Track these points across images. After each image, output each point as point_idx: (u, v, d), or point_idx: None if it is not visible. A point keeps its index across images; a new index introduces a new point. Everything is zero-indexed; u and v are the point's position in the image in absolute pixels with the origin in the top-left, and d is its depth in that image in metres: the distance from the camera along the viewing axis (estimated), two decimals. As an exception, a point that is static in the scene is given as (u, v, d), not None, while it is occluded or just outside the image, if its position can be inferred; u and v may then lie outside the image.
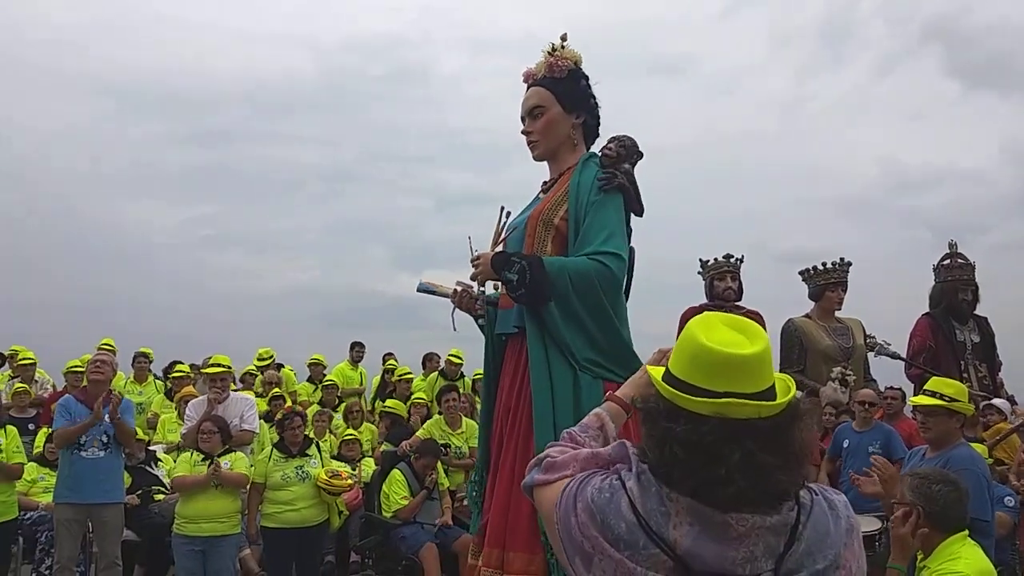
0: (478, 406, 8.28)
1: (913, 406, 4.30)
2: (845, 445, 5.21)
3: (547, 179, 2.89)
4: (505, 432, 2.65)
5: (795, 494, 1.27)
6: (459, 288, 2.82)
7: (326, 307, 19.84)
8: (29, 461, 6.07)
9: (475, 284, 2.78)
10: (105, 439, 5.20)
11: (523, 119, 2.84)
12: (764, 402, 1.24)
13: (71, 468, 5.17)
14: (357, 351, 9.82)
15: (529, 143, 2.83)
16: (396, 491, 5.68)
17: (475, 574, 2.62)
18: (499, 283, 2.74)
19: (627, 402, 1.66)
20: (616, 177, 2.65)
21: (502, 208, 2.82)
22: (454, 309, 2.86)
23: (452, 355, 9.16)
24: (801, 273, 5.68)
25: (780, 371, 1.39)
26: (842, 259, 5.56)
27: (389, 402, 8.07)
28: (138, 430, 6.26)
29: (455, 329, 2.90)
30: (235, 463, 5.32)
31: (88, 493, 5.12)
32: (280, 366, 9.47)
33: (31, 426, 7.32)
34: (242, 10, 23.60)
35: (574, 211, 2.64)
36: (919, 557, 2.87)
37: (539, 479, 1.48)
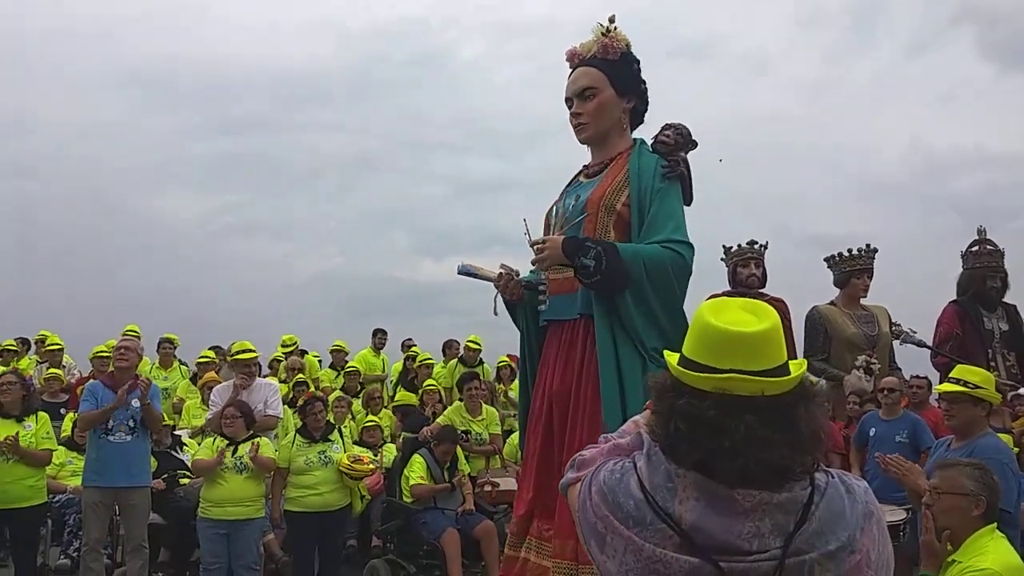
0: (506, 392, 8.33)
1: (938, 394, 4.24)
2: (871, 434, 5.14)
3: (591, 162, 2.82)
4: (555, 420, 2.63)
5: (810, 475, 1.27)
6: (503, 272, 2.79)
7: (349, 294, 19.99)
8: (58, 445, 6.18)
9: (515, 269, 2.75)
10: (132, 424, 5.28)
11: (570, 100, 2.75)
12: (768, 379, 1.25)
13: (98, 452, 5.25)
14: (380, 338, 9.88)
15: (577, 125, 2.74)
16: (416, 473, 5.72)
17: (518, 566, 2.61)
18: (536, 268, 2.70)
19: None
20: (679, 165, 2.62)
21: (524, 220, 2.76)
22: (497, 293, 2.82)
23: (471, 341, 9.19)
24: (826, 259, 5.61)
25: (804, 359, 1.39)
26: (868, 245, 5.48)
27: (399, 395, 8.11)
28: (163, 415, 6.35)
29: (496, 313, 2.87)
30: (261, 448, 5.39)
31: (115, 477, 5.20)
32: (304, 353, 9.56)
33: (62, 411, 7.46)
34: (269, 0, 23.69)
35: (637, 197, 2.60)
36: (948, 547, 2.82)
37: (571, 477, 1.50)
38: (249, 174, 22.16)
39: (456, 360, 9.25)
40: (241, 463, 5.26)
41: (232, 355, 6.55)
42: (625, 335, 2.50)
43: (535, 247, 2.63)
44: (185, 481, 6.04)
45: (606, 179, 2.69)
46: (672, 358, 1.37)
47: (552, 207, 2.87)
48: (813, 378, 1.37)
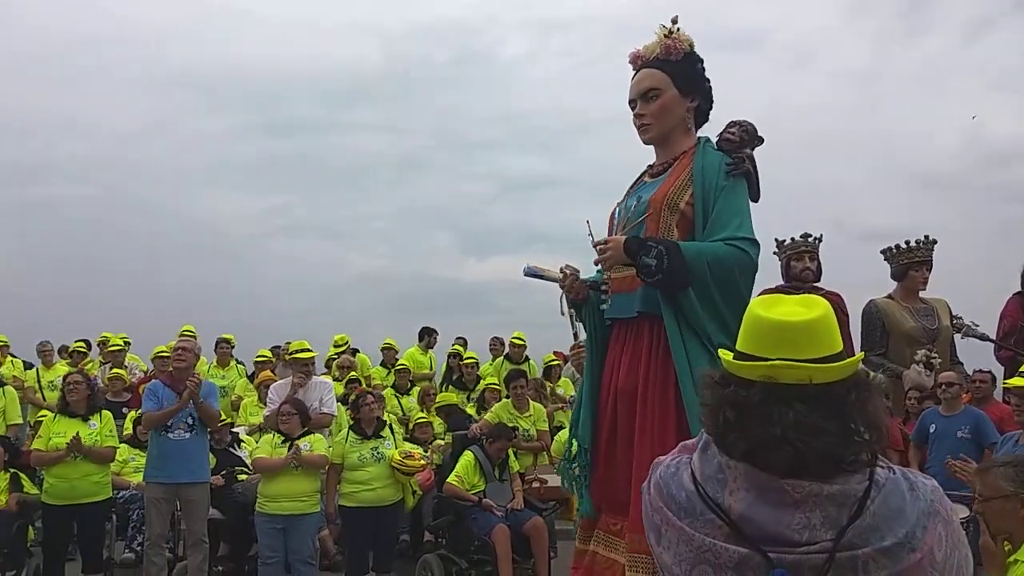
0: (553, 390, 8.32)
1: (1005, 388, 4.10)
2: (932, 430, 5.01)
3: (655, 162, 2.84)
4: (620, 416, 2.64)
5: (869, 469, 1.25)
6: (568, 272, 2.82)
7: (394, 293, 20.22)
8: (121, 443, 6.40)
9: (579, 269, 2.79)
10: (190, 421, 5.46)
11: (633, 101, 2.77)
12: (815, 365, 1.24)
13: (159, 449, 5.44)
14: (430, 338, 9.94)
15: (641, 126, 2.77)
16: (456, 471, 5.76)
17: (588, 558, 2.62)
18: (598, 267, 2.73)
19: None
20: (744, 162, 2.62)
21: (588, 223, 2.78)
22: (563, 293, 2.86)
23: (515, 338, 9.22)
24: (883, 252, 5.47)
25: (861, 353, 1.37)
26: (926, 236, 5.33)
27: (440, 396, 8.17)
28: (221, 412, 6.53)
29: (563, 313, 2.91)
30: (314, 445, 5.51)
31: (175, 473, 5.38)
32: (356, 351, 9.71)
33: (124, 410, 7.71)
34: (313, 2, 24.07)
35: (700, 195, 2.61)
36: (1006, 547, 2.73)
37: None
38: (296, 175, 22.59)
39: (502, 357, 9.29)
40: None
41: (289, 354, 6.69)
42: (692, 332, 2.51)
43: (598, 247, 2.65)
44: (243, 477, 6.19)
45: (670, 178, 2.70)
46: (726, 354, 1.37)
47: (616, 207, 2.89)
48: (871, 372, 1.35)
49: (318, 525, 5.77)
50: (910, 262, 5.30)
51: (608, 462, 2.70)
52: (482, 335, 10.35)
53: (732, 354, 1.36)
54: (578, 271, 2.82)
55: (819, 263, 5.12)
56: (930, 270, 5.32)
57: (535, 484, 6.12)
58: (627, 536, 2.57)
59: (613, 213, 2.90)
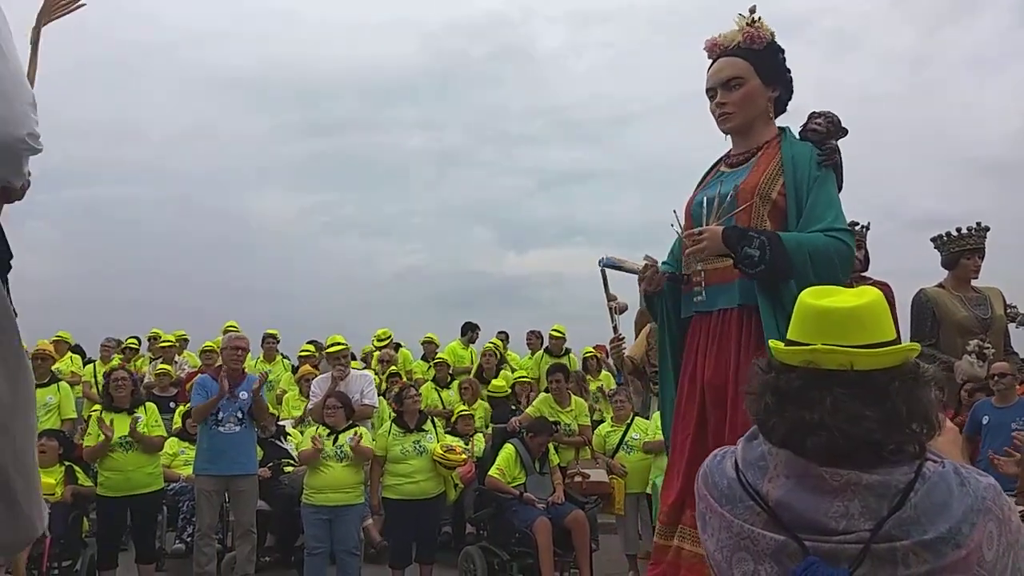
0: (598, 383, 8.29)
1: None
2: (984, 422, 4.86)
3: (732, 152, 2.81)
4: (709, 410, 2.64)
5: (916, 462, 1.22)
6: (648, 263, 2.81)
7: (434, 289, 20.37)
8: (170, 436, 6.57)
9: (658, 260, 2.76)
10: (240, 415, 5.61)
11: (713, 90, 2.74)
12: (857, 350, 1.23)
13: (209, 442, 5.58)
14: (472, 333, 9.96)
15: (723, 115, 2.74)
16: (497, 464, 5.78)
17: (671, 554, 2.61)
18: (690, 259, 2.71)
19: None
20: (835, 153, 2.61)
21: (675, 212, 2.79)
22: (643, 285, 2.84)
23: (555, 330, 9.19)
24: (934, 240, 5.31)
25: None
26: (979, 223, 5.16)
27: (492, 384, 8.18)
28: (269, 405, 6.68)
29: (641, 305, 2.91)
30: (362, 438, 5.58)
31: (225, 465, 5.52)
32: (398, 346, 9.80)
33: (172, 404, 7.92)
34: (353, 1, 24.34)
35: (793, 186, 2.59)
36: None
37: None
38: (339, 173, 22.91)
39: (542, 351, 9.27)
40: (341, 451, 5.47)
41: (326, 349, 6.82)
42: (788, 324, 2.48)
43: (692, 238, 2.62)
44: (289, 469, 6.31)
45: (758, 168, 2.67)
46: (776, 343, 1.37)
47: (696, 197, 2.84)
48: (922, 364, 1.31)
49: (362, 516, 5.84)
50: (962, 250, 5.14)
51: (694, 455, 2.64)
52: (522, 329, 10.40)
53: (783, 343, 1.35)
54: (657, 261, 2.80)
55: (866, 252, 4.98)
56: (982, 258, 5.15)
57: (577, 479, 6.10)
58: None
59: (695, 203, 2.84)
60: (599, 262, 3.04)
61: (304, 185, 23.47)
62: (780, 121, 2.83)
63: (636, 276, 2.89)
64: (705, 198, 2.77)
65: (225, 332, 8.67)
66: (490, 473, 5.74)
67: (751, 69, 2.68)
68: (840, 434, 1.19)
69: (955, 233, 5.18)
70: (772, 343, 1.37)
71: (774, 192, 2.62)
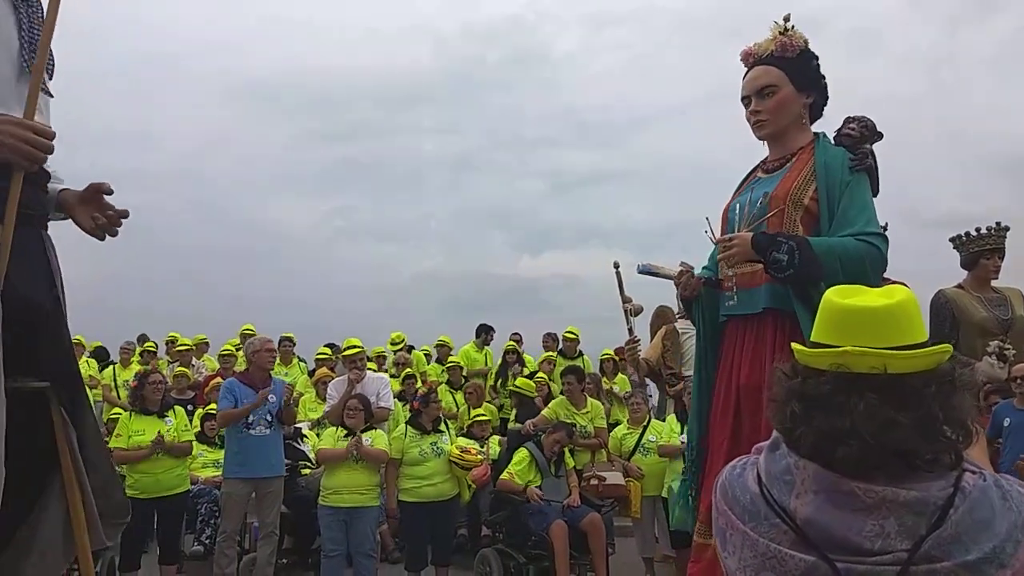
0: (611, 389, 8.27)
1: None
2: (1006, 424, 4.81)
3: (769, 158, 2.85)
4: (744, 413, 2.66)
5: (954, 474, 1.15)
6: (683, 269, 2.86)
7: (450, 292, 20.42)
8: (191, 439, 6.64)
9: (693, 267, 2.82)
10: (269, 418, 5.70)
11: (748, 98, 2.80)
12: (891, 353, 1.15)
13: (240, 445, 5.66)
14: (486, 335, 9.99)
15: (757, 122, 2.79)
16: (511, 467, 5.78)
17: (710, 552, 2.63)
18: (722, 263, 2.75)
19: None
20: (868, 158, 2.63)
21: (707, 219, 2.80)
22: (679, 290, 2.89)
23: (568, 332, 9.19)
24: (952, 240, 5.25)
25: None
26: (998, 223, 5.09)
27: (520, 381, 8.19)
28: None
29: (678, 311, 2.96)
30: (375, 440, 5.62)
31: (257, 468, 5.60)
32: (411, 348, 9.83)
33: (189, 407, 7.98)
34: (368, 8, 24.46)
35: (825, 191, 2.62)
36: None
37: None
38: (355, 179, 23.05)
39: (556, 352, 9.27)
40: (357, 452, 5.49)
41: (342, 351, 6.86)
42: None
43: (723, 244, 2.67)
44: (307, 472, 6.34)
45: (791, 174, 2.71)
46: (798, 346, 1.30)
47: (731, 203, 2.89)
48: (957, 367, 1.23)
49: (378, 519, 5.86)
50: (981, 250, 5.08)
51: (732, 458, 2.69)
52: (536, 331, 10.41)
53: (806, 345, 1.29)
54: (692, 268, 2.85)
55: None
56: (1002, 258, 5.09)
57: (593, 481, 6.09)
58: None
59: (729, 209, 2.88)
60: (637, 268, 3.11)
61: (321, 191, 23.67)
62: (817, 126, 2.85)
63: (669, 281, 2.96)
64: (738, 204, 2.81)
65: (242, 335, 8.74)
66: (502, 476, 5.75)
67: (784, 77, 2.72)
68: (874, 442, 1.12)
69: (974, 233, 5.13)
70: (795, 346, 1.29)
71: (806, 198, 2.64)
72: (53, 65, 2.06)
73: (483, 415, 7.20)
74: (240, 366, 7.61)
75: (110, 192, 2.04)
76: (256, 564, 5.63)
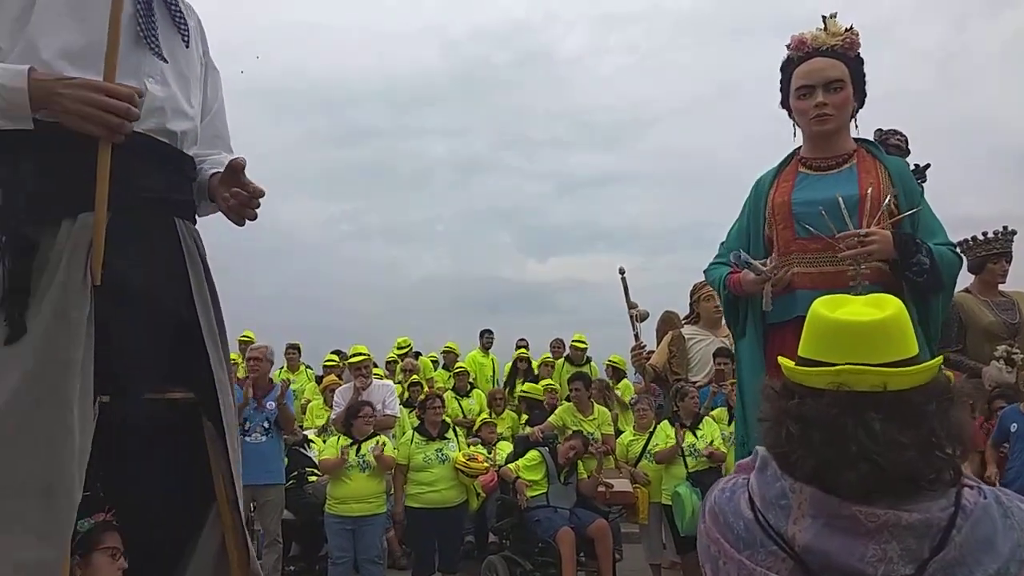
0: (617, 391, 8.25)
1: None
2: (1012, 429, 4.77)
3: (810, 156, 2.72)
4: None
5: (954, 492, 1.12)
6: (775, 263, 2.67)
7: (457, 295, 20.45)
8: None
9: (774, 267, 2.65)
10: (267, 425, 5.69)
11: (811, 88, 2.62)
12: (890, 370, 1.12)
13: (236, 452, 5.64)
14: (487, 338, 10.03)
15: (822, 116, 2.62)
16: (527, 464, 5.79)
17: None
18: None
19: None
20: (923, 171, 2.69)
21: (821, 211, 2.55)
22: (769, 288, 2.68)
23: (576, 340, 9.19)
24: (959, 244, 5.24)
25: (938, 351, 1.30)
26: (1005, 227, 5.09)
27: (526, 386, 8.18)
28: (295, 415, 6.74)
29: (769, 307, 2.73)
30: (384, 448, 5.62)
31: (253, 475, 5.55)
32: (418, 354, 9.84)
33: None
34: (376, 10, 24.57)
35: (904, 197, 2.63)
36: None
37: None
38: (364, 180, 23.08)
39: (563, 359, 9.27)
40: (364, 461, 5.50)
41: (348, 359, 6.87)
42: (922, 334, 2.42)
43: (858, 239, 2.47)
44: (314, 479, 6.35)
45: (867, 176, 2.61)
46: (787, 362, 1.25)
47: (801, 198, 2.66)
48: (951, 378, 1.23)
49: (385, 525, 5.87)
50: (988, 254, 5.07)
51: None
52: (543, 335, 10.42)
53: (793, 362, 1.24)
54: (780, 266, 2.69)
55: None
56: (1009, 262, 5.08)
57: (600, 488, 6.08)
58: None
59: (789, 204, 2.67)
60: (731, 257, 2.78)
61: (329, 193, 23.75)
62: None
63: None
64: (823, 202, 2.58)
65: (240, 343, 8.76)
66: (506, 466, 5.74)
67: (849, 75, 2.63)
68: (876, 466, 1.09)
69: (981, 237, 5.12)
70: (784, 362, 1.24)
71: (891, 203, 2.62)
72: (186, 27, 1.86)
73: (490, 419, 7.21)
74: (242, 374, 7.62)
75: (242, 166, 1.82)
76: (261, 571, 5.62)
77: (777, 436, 1.19)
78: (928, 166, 2.85)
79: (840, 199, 2.53)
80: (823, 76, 2.60)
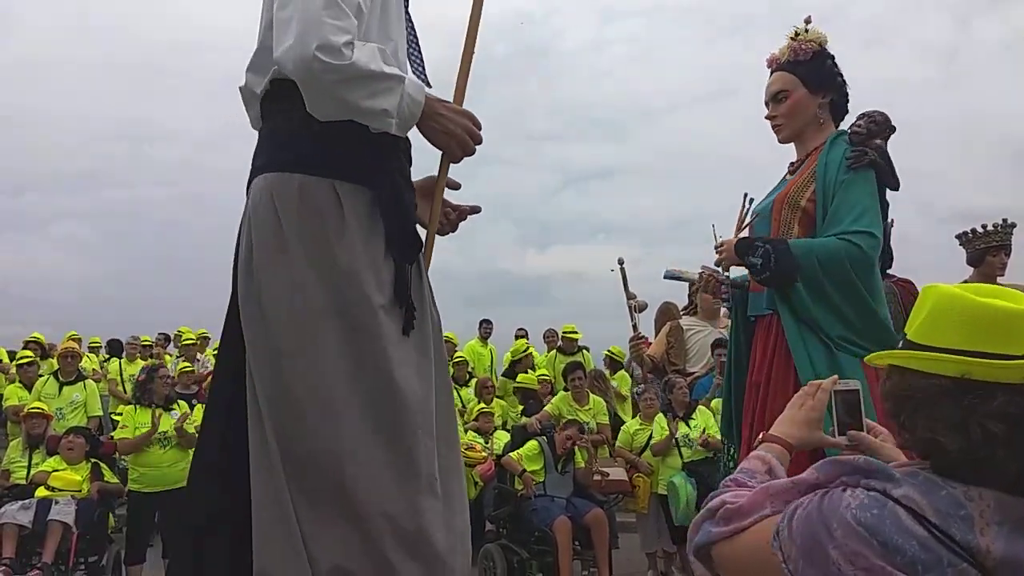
0: (614, 383, 8.27)
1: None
2: None
3: (794, 160, 2.92)
4: (756, 412, 2.72)
5: None
6: (704, 273, 2.97)
7: (458, 287, 20.45)
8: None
9: (720, 269, 2.89)
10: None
11: (767, 104, 2.89)
12: None
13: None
14: (485, 328, 10.04)
15: (774, 127, 2.88)
16: (527, 453, 5.81)
17: None
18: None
19: (788, 441, 1.47)
20: (866, 155, 2.64)
21: (745, 195, 2.87)
22: (694, 291, 3.02)
23: (567, 331, 9.19)
24: (958, 236, 5.23)
25: None
26: (1005, 220, 5.08)
27: (521, 377, 8.18)
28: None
29: (683, 308, 3.08)
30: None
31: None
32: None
33: (194, 402, 8.01)
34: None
35: (821, 191, 2.66)
36: None
37: (723, 531, 1.25)
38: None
39: (555, 350, 9.28)
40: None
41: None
42: (807, 326, 2.58)
43: (716, 249, 2.79)
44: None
45: (797, 176, 2.78)
46: (916, 357, 1.14)
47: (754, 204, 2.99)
48: None
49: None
50: (987, 246, 5.06)
51: None
52: (543, 326, 10.47)
53: (925, 354, 1.13)
54: (717, 271, 2.92)
55: (890, 250, 4.92)
56: (1009, 254, 5.07)
57: (596, 477, 6.09)
58: None
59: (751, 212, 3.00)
60: (663, 274, 3.24)
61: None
62: (846, 124, 2.88)
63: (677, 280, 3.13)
64: (752, 209, 2.89)
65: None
66: (508, 455, 5.75)
67: (796, 80, 2.79)
68: None
69: (980, 230, 5.11)
70: (950, 359, 1.11)
71: (803, 199, 2.69)
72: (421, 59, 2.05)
73: (487, 409, 7.21)
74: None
75: (457, 187, 2.02)
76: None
77: (967, 440, 1.07)
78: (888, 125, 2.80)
79: (744, 205, 2.84)
80: (770, 91, 2.86)
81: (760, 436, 1.53)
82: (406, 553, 1.66)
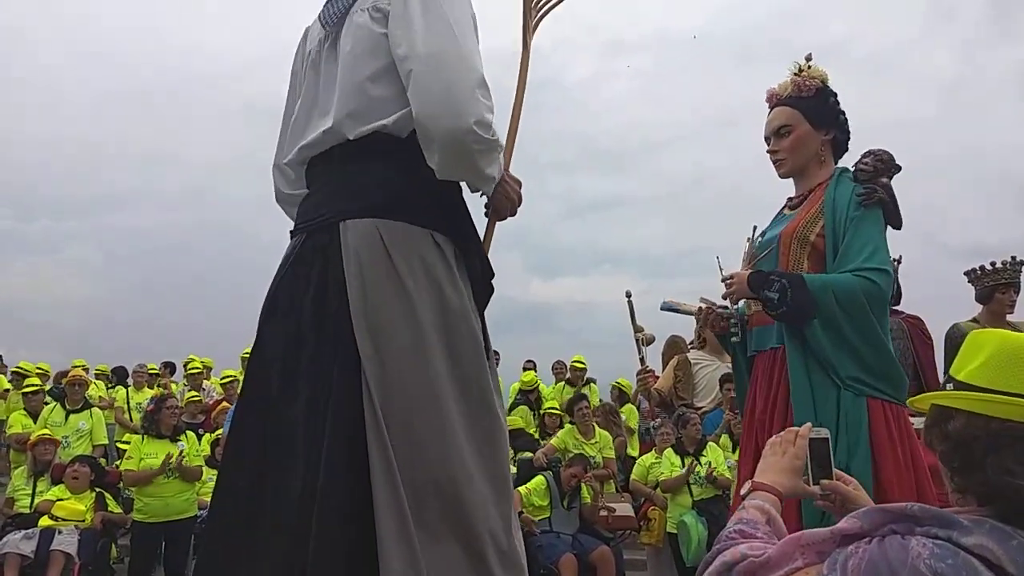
0: (622, 415, 8.20)
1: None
2: None
3: (792, 196, 2.92)
4: (758, 447, 2.67)
5: None
6: (704, 306, 2.94)
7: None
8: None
9: (727, 302, 2.85)
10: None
11: (768, 139, 2.89)
12: None
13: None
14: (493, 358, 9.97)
15: (776, 161, 2.88)
16: (534, 489, 5.75)
17: None
18: (749, 301, 2.80)
19: (779, 490, 1.47)
20: (876, 192, 2.64)
21: (755, 227, 2.88)
22: (700, 326, 2.97)
23: (575, 361, 9.14)
24: (967, 274, 5.22)
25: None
26: (1014, 257, 5.07)
27: (507, 419, 8.11)
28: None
29: (691, 342, 3.05)
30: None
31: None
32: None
33: (200, 431, 7.99)
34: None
35: (831, 227, 2.65)
36: None
37: None
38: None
39: (563, 382, 9.22)
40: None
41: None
42: (816, 364, 2.53)
43: (725, 282, 2.74)
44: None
45: (802, 211, 2.77)
46: (995, 401, 1.15)
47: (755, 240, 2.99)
48: None
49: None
50: (996, 284, 5.05)
51: None
52: (547, 355, 10.41)
53: (992, 397, 1.15)
54: (714, 304, 2.91)
55: (898, 285, 4.91)
56: (1018, 292, 5.05)
57: (602, 512, 6.02)
58: None
59: (752, 246, 2.97)
60: (660, 306, 3.22)
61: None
62: (846, 161, 2.89)
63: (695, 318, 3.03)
64: (755, 241, 2.88)
65: (242, 360, 8.77)
66: (517, 489, 5.70)
67: (799, 116, 2.80)
68: None
69: (989, 267, 5.10)
70: (1011, 402, 1.14)
71: (812, 235, 2.67)
72: None
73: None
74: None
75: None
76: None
77: None
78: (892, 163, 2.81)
79: (750, 238, 2.84)
80: (771, 126, 2.85)
81: (749, 484, 1.51)
82: (504, 567, 1.80)
